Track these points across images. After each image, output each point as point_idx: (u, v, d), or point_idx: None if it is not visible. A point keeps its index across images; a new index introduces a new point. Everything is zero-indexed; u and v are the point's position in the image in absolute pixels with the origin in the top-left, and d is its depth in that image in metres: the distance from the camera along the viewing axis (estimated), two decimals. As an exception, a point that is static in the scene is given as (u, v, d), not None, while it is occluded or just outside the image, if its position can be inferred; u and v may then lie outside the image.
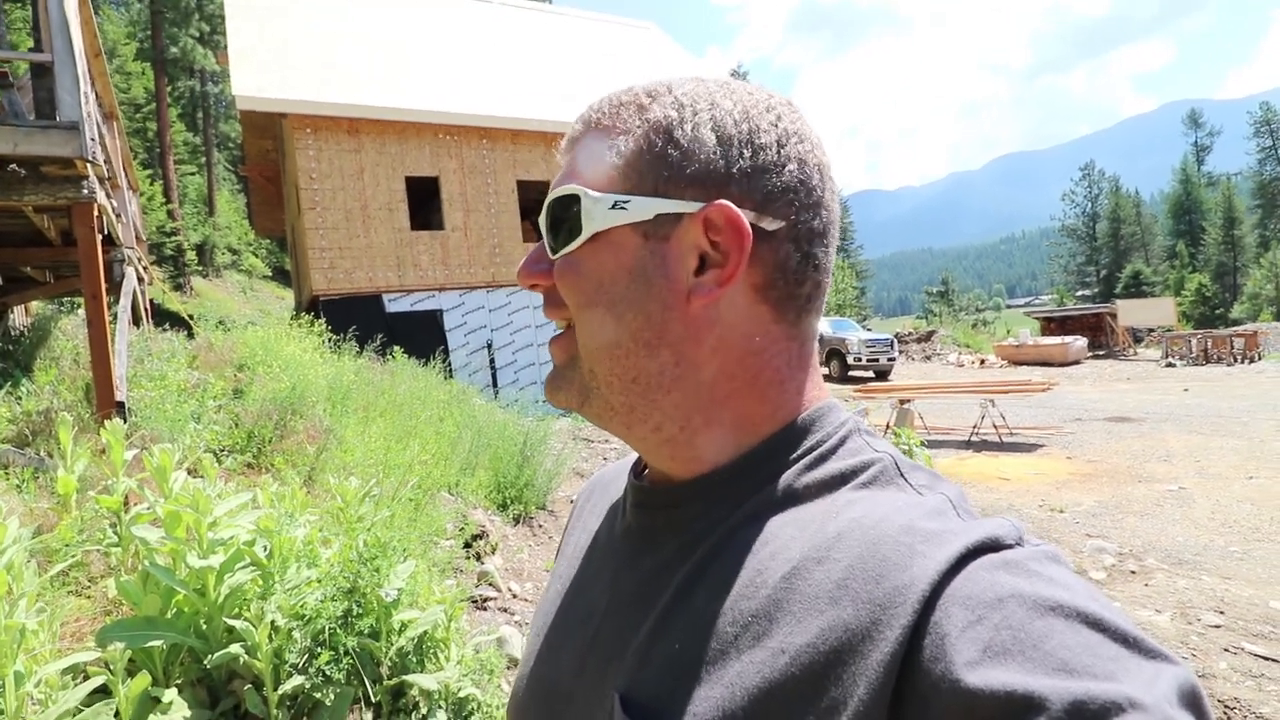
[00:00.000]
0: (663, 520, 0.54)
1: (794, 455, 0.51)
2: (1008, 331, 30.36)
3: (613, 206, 0.51)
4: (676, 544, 0.52)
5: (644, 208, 0.50)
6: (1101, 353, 23.06)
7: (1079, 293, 57.86)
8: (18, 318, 7.45)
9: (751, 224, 0.50)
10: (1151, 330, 25.27)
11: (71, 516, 2.78)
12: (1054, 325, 26.21)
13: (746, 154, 0.51)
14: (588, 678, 0.52)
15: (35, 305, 8.49)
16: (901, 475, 0.49)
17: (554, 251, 0.54)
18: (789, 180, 0.51)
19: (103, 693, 1.89)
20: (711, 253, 0.50)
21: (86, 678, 1.92)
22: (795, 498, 0.49)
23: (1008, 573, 0.38)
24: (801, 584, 0.42)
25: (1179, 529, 5.33)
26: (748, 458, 0.52)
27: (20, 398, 4.03)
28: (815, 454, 0.51)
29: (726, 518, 0.50)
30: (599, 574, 0.59)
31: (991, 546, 0.40)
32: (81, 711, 1.78)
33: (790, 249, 0.51)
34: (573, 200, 0.52)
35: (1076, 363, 20.49)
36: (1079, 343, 21.05)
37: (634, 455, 0.64)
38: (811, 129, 0.55)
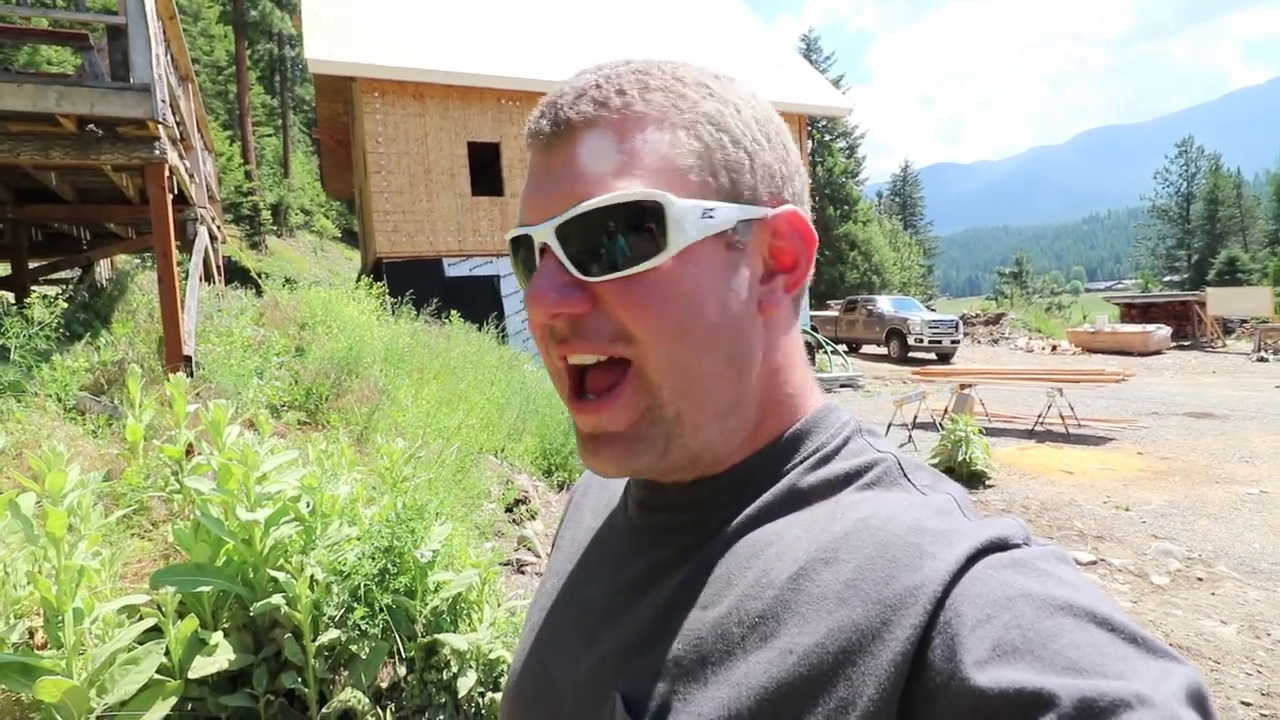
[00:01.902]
0: (666, 520, 0.53)
1: (798, 457, 0.50)
2: (1084, 317, 28.81)
3: (703, 215, 0.45)
4: (680, 544, 0.51)
5: (729, 215, 0.46)
6: (1186, 343, 21.67)
7: (1166, 278, 54.28)
8: (103, 271, 7.91)
9: None
10: (1244, 321, 23.51)
11: (138, 463, 2.94)
12: (1135, 312, 24.78)
13: (781, 152, 0.50)
14: (584, 676, 0.51)
15: (120, 259, 8.99)
16: (905, 475, 0.48)
17: (596, 271, 0.45)
18: (804, 178, 0.52)
19: (155, 632, 2.00)
20: (770, 259, 0.49)
21: (142, 618, 2.04)
22: (800, 499, 0.48)
23: (1016, 572, 0.38)
24: (809, 585, 0.42)
25: (1256, 535, 4.99)
26: (754, 460, 0.51)
27: (99, 348, 4.27)
28: (819, 455, 0.50)
29: (731, 519, 0.49)
30: (598, 571, 0.58)
31: (999, 546, 0.39)
32: (135, 649, 1.89)
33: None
34: (646, 208, 0.44)
35: (1158, 353, 19.35)
36: (1161, 332, 19.83)
37: None
38: None
